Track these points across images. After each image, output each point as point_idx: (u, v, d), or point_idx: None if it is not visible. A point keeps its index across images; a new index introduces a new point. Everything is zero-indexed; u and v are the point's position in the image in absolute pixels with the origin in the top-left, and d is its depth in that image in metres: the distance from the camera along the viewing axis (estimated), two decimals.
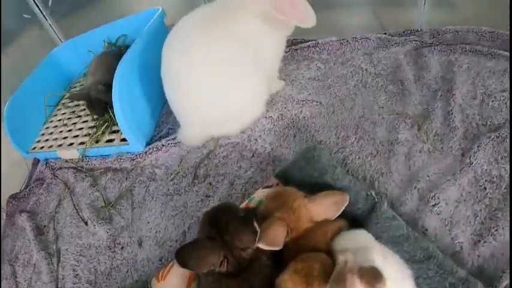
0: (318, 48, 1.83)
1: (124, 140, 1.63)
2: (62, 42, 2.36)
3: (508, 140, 1.23)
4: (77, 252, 1.46)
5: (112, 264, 1.34)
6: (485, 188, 1.15)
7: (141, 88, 1.63)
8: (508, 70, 1.46)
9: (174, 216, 1.38)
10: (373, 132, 1.38)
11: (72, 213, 1.61)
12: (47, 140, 1.94)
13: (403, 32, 1.82)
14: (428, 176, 1.21)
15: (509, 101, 1.36)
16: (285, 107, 1.55)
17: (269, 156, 1.40)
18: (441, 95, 1.47)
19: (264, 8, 1.28)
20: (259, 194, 1.17)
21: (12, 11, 2.19)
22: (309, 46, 1.84)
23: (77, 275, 1.38)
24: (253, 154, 1.43)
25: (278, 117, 1.51)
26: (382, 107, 1.46)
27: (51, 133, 1.96)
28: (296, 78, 1.70)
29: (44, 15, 2.28)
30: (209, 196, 1.37)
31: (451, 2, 1.84)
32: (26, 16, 2.23)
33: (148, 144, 1.65)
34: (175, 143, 1.57)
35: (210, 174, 1.43)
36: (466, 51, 1.62)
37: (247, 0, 1.31)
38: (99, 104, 1.71)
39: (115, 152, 1.67)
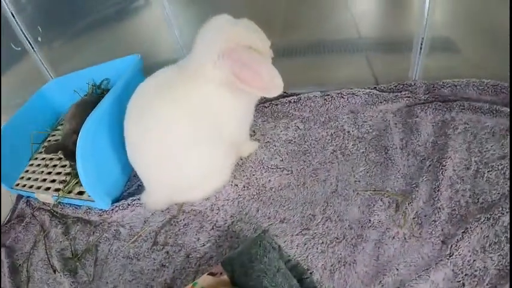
0: (299, 105, 1.73)
1: None
2: (51, 76, 2.42)
3: (501, 221, 1.12)
4: None
5: None
6: (463, 284, 1.03)
7: (110, 143, 1.59)
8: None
9: (131, 282, 1.34)
10: (343, 212, 1.28)
11: (44, 258, 1.61)
12: (29, 178, 1.95)
13: (395, 86, 1.70)
14: (397, 269, 1.10)
15: (508, 171, 1.24)
16: (254, 175, 1.48)
17: (227, 231, 1.33)
18: (429, 165, 1.35)
19: (225, 74, 1.19)
20: (204, 280, 1.11)
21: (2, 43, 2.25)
22: (290, 102, 1.75)
23: None
24: (213, 226, 1.37)
25: (244, 187, 1.44)
26: (359, 181, 1.36)
27: (34, 172, 1.98)
28: (271, 140, 1.62)
29: (33, 49, 2.33)
30: (165, 266, 1.33)
31: (451, 46, 1.69)
32: (16, 48, 2.28)
33: (117, 200, 1.63)
34: (140, 203, 1.54)
35: (169, 243, 1.39)
36: (464, 108, 1.49)
37: (207, 66, 1.23)
38: (75, 154, 1.67)
39: (84, 204, 1.66)
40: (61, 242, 1.62)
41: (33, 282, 1.53)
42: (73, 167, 1.77)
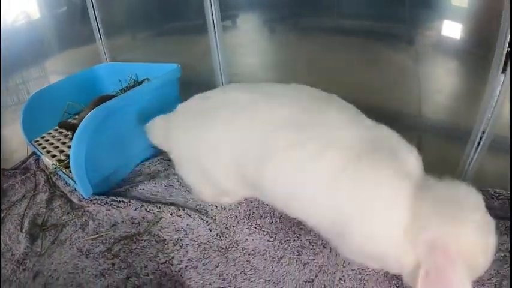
0: None
1: None
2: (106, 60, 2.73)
3: None
4: (3, 245, 1.56)
5: (10, 277, 1.40)
6: None
7: (113, 137, 1.68)
8: None
9: (69, 274, 1.37)
10: None
11: (21, 214, 1.75)
12: (47, 140, 2.16)
13: None
14: None
15: None
16: (233, 226, 1.41)
17: (176, 274, 1.28)
18: None
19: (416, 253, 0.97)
20: None
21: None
22: None
23: None
24: (166, 261, 1.33)
25: (217, 235, 1.38)
26: (344, 281, 1.20)
27: (54, 137, 2.19)
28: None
29: (100, 36, 2.68)
30: (103, 276, 1.32)
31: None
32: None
33: (102, 194, 1.70)
34: (117, 206, 1.58)
35: (120, 256, 1.38)
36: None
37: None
38: None
39: (71, 184, 1.77)
40: (41, 208, 1.74)
41: (3, 229, 1.67)
42: None
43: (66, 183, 1.82)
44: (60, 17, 2.78)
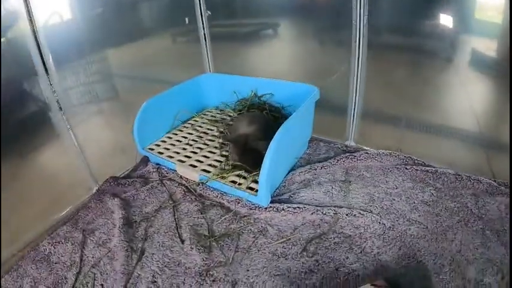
0: (435, 176, 2.28)
1: (250, 188, 2.09)
2: (208, 56, 3.11)
3: None
4: (163, 262, 1.78)
5: None
6: None
7: (283, 154, 2.13)
8: None
9: (275, 276, 1.70)
10: (465, 268, 1.75)
11: (169, 225, 2.02)
12: (167, 148, 2.49)
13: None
14: None
15: None
16: (397, 220, 1.99)
17: (375, 258, 1.80)
18: None
19: None
20: None
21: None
22: (428, 171, 2.30)
23: (155, 282, 1.69)
24: (361, 251, 1.83)
25: (390, 227, 1.94)
26: (477, 248, 1.83)
27: (173, 145, 2.52)
28: (410, 197, 2.14)
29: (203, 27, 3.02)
30: (313, 271, 1.74)
31: None
32: (208, 12, 2.93)
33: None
34: (293, 212, 2.01)
35: (319, 253, 1.82)
36: None
37: None
38: (253, 155, 2.13)
39: (234, 193, 2.12)
40: (195, 218, 2.04)
41: (151, 243, 1.92)
42: (233, 156, 2.24)
43: (222, 193, 2.16)
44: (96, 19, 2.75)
